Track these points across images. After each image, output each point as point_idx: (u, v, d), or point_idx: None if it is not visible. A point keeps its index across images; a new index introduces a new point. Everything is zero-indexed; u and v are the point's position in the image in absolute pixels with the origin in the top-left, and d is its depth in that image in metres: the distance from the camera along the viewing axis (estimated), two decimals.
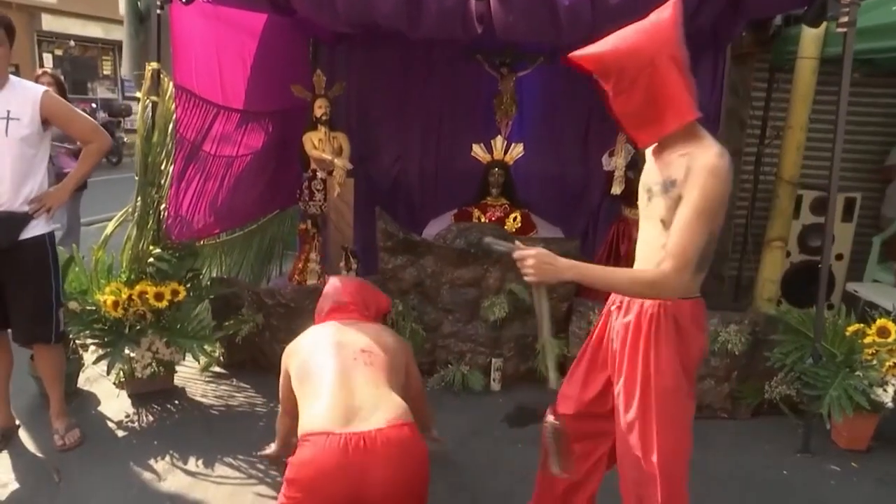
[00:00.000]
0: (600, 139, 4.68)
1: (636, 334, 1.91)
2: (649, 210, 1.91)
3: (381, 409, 1.98)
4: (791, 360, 3.34)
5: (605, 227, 4.75)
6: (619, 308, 2.00)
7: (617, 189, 4.13)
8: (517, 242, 1.93)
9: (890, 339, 3.16)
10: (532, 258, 1.81)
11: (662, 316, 1.86)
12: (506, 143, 4.50)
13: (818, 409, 3.14)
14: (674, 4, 1.75)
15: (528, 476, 2.88)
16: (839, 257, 4.83)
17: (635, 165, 4.16)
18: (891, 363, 3.12)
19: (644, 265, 1.93)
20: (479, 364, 3.85)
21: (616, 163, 4.16)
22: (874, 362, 3.16)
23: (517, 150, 4.46)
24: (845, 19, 2.95)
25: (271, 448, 2.87)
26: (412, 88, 5.05)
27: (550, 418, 2.05)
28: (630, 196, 4.18)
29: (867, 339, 3.19)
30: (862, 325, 3.25)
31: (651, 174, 1.91)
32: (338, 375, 2.10)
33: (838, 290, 4.86)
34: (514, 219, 4.40)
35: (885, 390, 3.14)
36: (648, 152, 1.96)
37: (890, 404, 3.16)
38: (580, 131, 4.93)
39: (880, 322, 3.21)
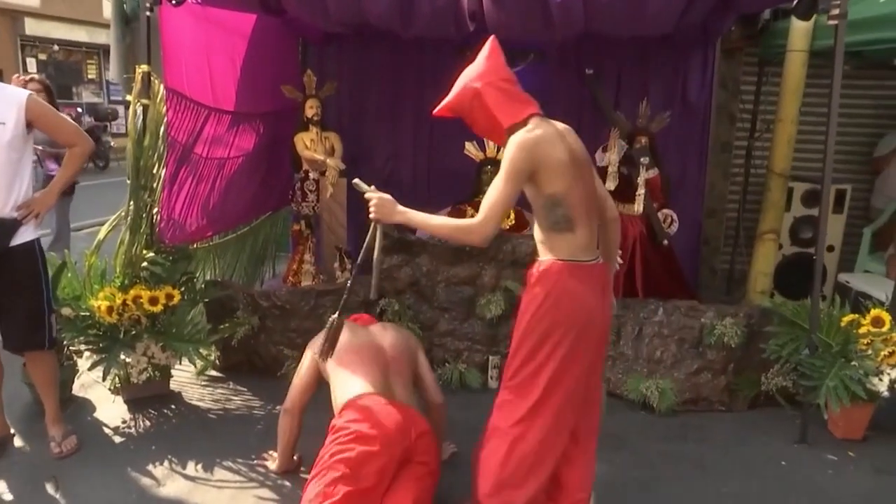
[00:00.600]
0: (593, 135, 4.68)
1: None
2: None
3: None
4: (787, 352, 3.36)
5: None
6: None
7: (610, 185, 4.14)
8: (372, 187, 2.46)
9: (884, 329, 3.18)
10: (377, 199, 2.37)
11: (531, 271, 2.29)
12: None
13: (815, 400, 3.15)
14: (490, 42, 2.35)
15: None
16: (830, 249, 4.87)
17: (629, 161, 4.18)
18: (886, 352, 3.15)
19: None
20: (476, 362, 3.85)
21: (609, 158, 4.17)
22: (869, 352, 3.19)
23: None
24: (836, 11, 2.96)
25: (274, 460, 2.89)
26: (403, 87, 5.03)
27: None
28: (624, 191, 4.20)
29: (862, 330, 3.22)
30: (857, 315, 3.27)
31: None
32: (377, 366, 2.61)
33: (830, 282, 4.90)
34: (509, 216, 4.40)
35: (880, 379, 3.17)
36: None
37: (886, 393, 3.19)
38: (572, 127, 4.91)
39: (874, 312, 3.23)
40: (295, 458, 2.89)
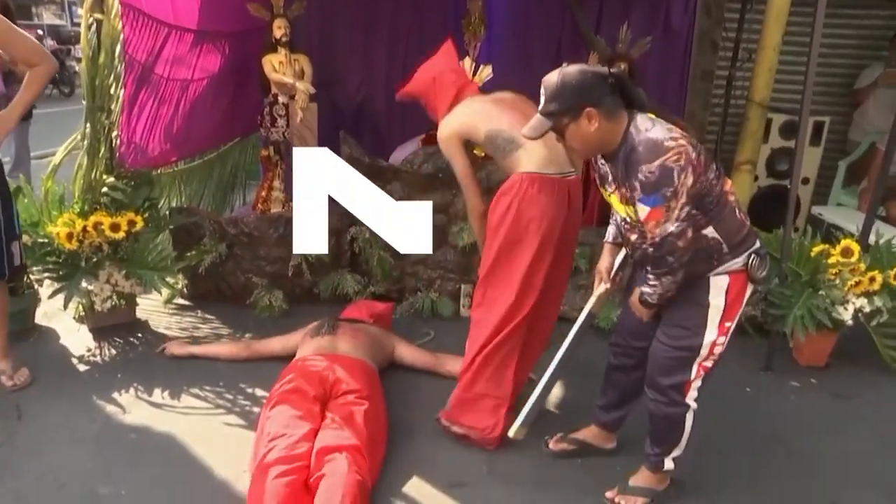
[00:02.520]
0: (572, 58, 4.54)
1: None
2: None
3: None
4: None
5: None
6: None
7: None
8: None
9: (853, 259, 3.19)
10: None
11: None
12: (474, 65, 4.35)
13: (782, 328, 3.19)
14: (446, 44, 2.90)
15: None
16: (805, 181, 4.85)
17: None
18: (853, 282, 3.17)
19: None
20: (448, 290, 3.83)
21: None
22: (837, 282, 3.21)
23: (486, 72, 4.30)
24: None
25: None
26: (377, 7, 4.82)
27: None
28: None
29: (831, 260, 3.22)
30: (827, 245, 3.28)
31: None
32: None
33: (804, 214, 4.90)
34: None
35: (845, 309, 3.20)
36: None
37: (850, 322, 3.23)
38: (551, 51, 4.80)
39: (844, 242, 3.23)
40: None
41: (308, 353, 2.73)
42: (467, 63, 4.32)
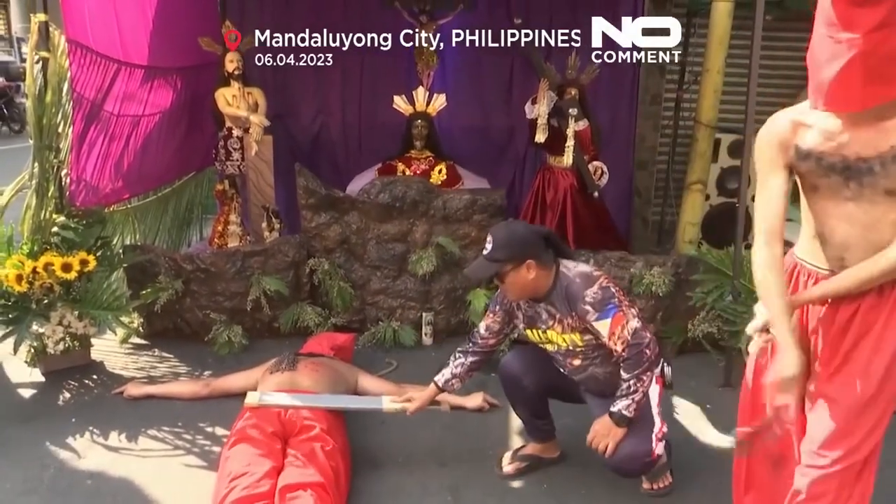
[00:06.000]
0: (523, 87, 4.65)
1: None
2: (853, 189, 1.59)
3: None
4: (712, 299, 3.44)
5: (530, 177, 4.76)
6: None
7: (541, 137, 4.11)
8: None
9: None
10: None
11: None
12: (428, 94, 4.40)
13: (737, 344, 3.25)
14: None
15: (458, 427, 2.91)
16: (754, 198, 4.98)
17: (559, 113, 4.15)
18: None
19: (868, 253, 1.61)
20: (409, 319, 3.82)
21: (539, 110, 4.13)
22: None
23: (439, 100, 4.37)
24: None
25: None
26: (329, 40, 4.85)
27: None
28: (554, 144, 4.18)
29: None
30: None
31: (846, 148, 1.57)
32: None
33: None
34: (440, 171, 4.34)
35: None
36: (816, 124, 1.62)
37: None
38: (503, 80, 4.89)
39: None
40: None
41: (268, 390, 2.69)
42: (421, 93, 4.38)
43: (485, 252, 2.24)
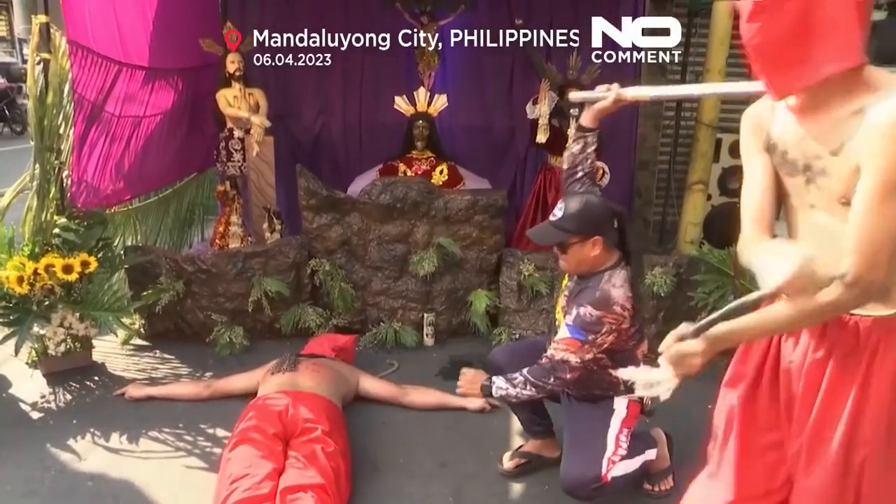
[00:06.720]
0: (524, 87, 4.64)
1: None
2: (813, 194, 1.40)
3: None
4: (713, 299, 3.43)
5: (531, 177, 4.75)
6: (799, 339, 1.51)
7: (542, 137, 4.11)
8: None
9: None
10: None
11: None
12: (429, 94, 4.40)
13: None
14: None
15: (459, 427, 2.90)
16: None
17: (560, 113, 4.15)
18: None
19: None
20: (411, 320, 3.82)
21: (540, 111, 4.13)
22: None
23: (440, 101, 4.37)
24: None
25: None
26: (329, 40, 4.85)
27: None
28: (555, 144, 4.17)
29: None
30: None
31: (804, 144, 1.39)
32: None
33: None
34: (441, 172, 4.33)
35: None
36: (781, 111, 1.46)
37: None
38: (504, 80, 4.87)
39: None
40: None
41: (269, 391, 2.68)
42: (422, 93, 4.38)
43: (553, 218, 2.15)
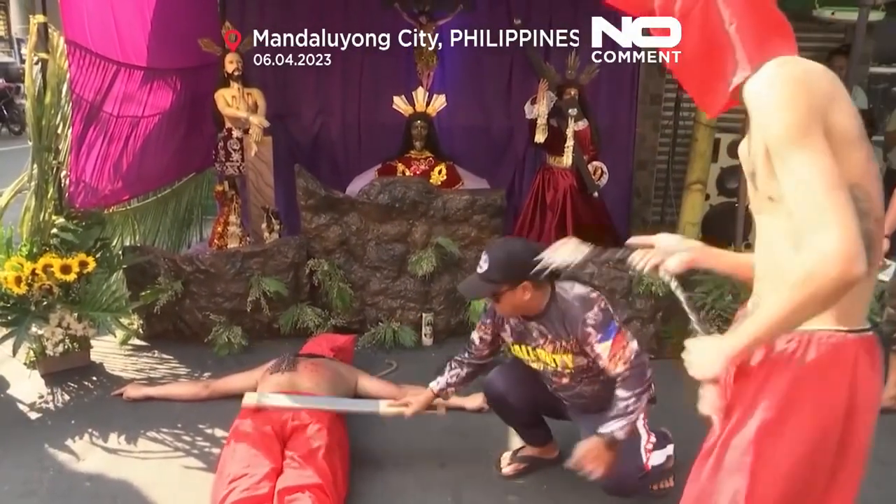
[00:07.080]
0: (523, 88, 4.64)
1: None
2: (756, 198, 1.33)
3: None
4: (711, 299, 3.43)
5: (530, 177, 4.75)
6: None
7: (540, 137, 4.11)
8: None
9: None
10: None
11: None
12: (427, 94, 4.40)
13: None
14: None
15: (458, 427, 2.90)
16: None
17: (558, 113, 4.15)
18: None
19: (772, 280, 1.31)
20: (409, 320, 3.82)
21: (538, 111, 4.13)
22: None
23: (439, 101, 4.37)
24: None
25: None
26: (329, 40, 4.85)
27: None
28: (553, 144, 4.18)
29: None
30: None
31: (743, 152, 1.36)
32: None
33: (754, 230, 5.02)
34: (440, 171, 4.34)
35: None
36: None
37: None
38: (503, 80, 4.88)
39: None
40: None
41: (268, 391, 2.68)
42: (420, 93, 4.38)
43: (480, 270, 2.15)
